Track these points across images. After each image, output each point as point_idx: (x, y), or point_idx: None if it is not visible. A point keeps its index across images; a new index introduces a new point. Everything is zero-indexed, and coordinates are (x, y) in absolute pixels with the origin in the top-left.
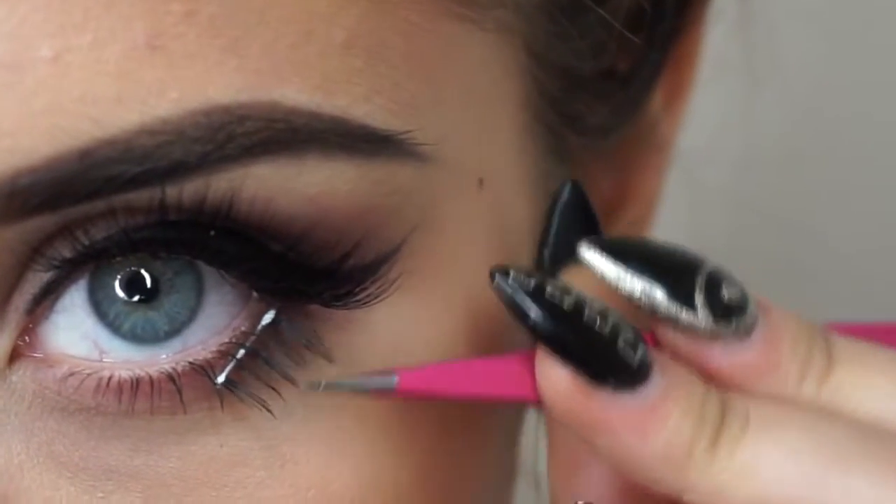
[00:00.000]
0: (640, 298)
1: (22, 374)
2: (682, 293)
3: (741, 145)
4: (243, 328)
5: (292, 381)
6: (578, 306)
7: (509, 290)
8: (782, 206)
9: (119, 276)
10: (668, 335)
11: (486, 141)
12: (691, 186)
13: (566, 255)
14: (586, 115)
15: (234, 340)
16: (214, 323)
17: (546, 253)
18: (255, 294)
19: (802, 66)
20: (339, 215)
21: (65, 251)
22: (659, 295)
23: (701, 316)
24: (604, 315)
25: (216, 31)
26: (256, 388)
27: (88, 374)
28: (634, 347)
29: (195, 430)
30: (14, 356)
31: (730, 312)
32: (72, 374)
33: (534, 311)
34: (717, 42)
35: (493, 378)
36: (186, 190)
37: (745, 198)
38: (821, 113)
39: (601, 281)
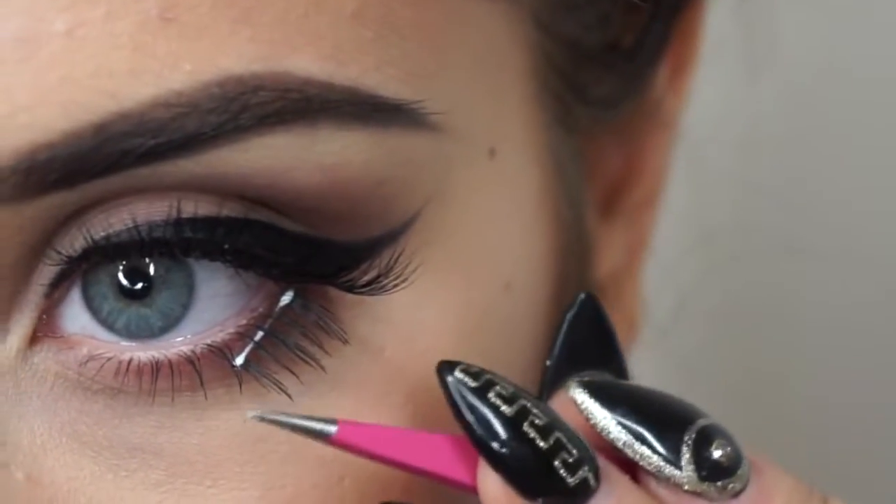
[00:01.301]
0: (624, 448)
1: (44, 356)
2: (668, 448)
3: (745, 126)
4: (261, 309)
5: (309, 362)
6: (519, 416)
7: (451, 386)
8: (787, 186)
9: (111, 274)
10: (651, 484)
11: (496, 111)
12: (695, 168)
13: (571, 371)
14: (593, 86)
15: (251, 322)
16: (209, 317)
17: (549, 366)
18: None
19: (805, 46)
20: (354, 186)
21: (78, 244)
22: (644, 447)
23: (685, 473)
24: (547, 429)
25: (228, 2)
26: (274, 369)
27: (108, 359)
28: (574, 468)
29: (218, 405)
30: (35, 338)
31: (717, 472)
32: (92, 359)
33: (469, 413)
34: (720, 24)
35: (435, 456)
36: (202, 161)
37: (750, 179)
38: (824, 93)
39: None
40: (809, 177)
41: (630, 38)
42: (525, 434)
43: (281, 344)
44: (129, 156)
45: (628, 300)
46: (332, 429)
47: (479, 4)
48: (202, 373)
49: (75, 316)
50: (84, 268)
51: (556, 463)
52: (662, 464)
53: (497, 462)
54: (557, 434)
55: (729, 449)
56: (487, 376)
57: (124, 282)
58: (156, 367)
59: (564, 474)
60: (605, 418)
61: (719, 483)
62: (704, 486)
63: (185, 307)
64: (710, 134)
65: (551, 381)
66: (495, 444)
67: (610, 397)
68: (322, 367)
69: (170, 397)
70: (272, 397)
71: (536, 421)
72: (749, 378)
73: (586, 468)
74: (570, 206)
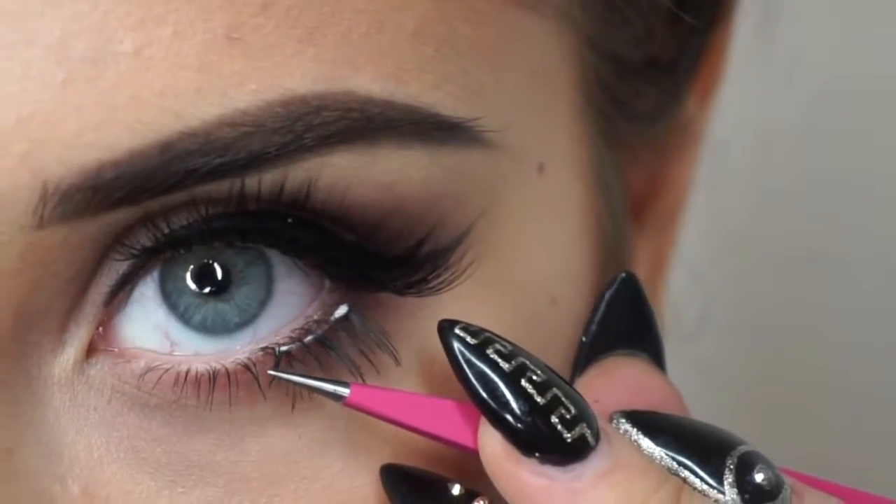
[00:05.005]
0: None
1: (100, 369)
2: (711, 473)
3: (766, 133)
4: (316, 317)
5: (360, 373)
6: (517, 372)
7: (451, 343)
8: (808, 193)
9: (190, 269)
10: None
11: (546, 126)
12: (716, 175)
13: (607, 348)
14: (635, 101)
15: (306, 327)
16: (284, 313)
17: (585, 342)
18: (327, 283)
19: (821, 52)
20: (412, 203)
21: (144, 240)
22: (688, 472)
23: (729, 497)
24: (544, 385)
25: (293, 22)
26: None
27: (166, 370)
28: (572, 424)
29: (274, 421)
30: (91, 350)
31: (760, 496)
32: (149, 370)
33: (468, 368)
34: (738, 29)
35: (442, 419)
36: (265, 181)
37: (770, 186)
38: (839, 96)
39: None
40: (831, 183)
41: (670, 53)
42: (523, 389)
43: (333, 353)
44: (194, 174)
45: None
46: (346, 391)
47: (531, 20)
48: (259, 378)
49: (129, 326)
50: (149, 265)
51: (554, 419)
52: (707, 488)
53: (494, 416)
54: (555, 391)
55: (770, 473)
56: (487, 334)
57: (201, 279)
58: (213, 377)
59: (561, 429)
60: (649, 447)
61: None
62: None
63: (263, 304)
64: (732, 140)
65: (586, 358)
66: (493, 399)
67: (652, 427)
68: (378, 374)
69: (228, 411)
70: (330, 404)
71: (534, 377)
72: (772, 384)
73: (584, 425)
74: (611, 219)
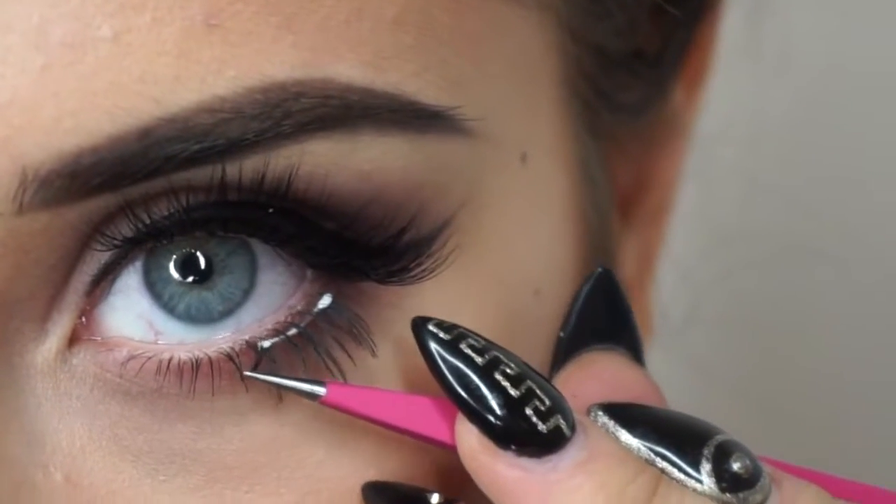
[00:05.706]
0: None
1: (82, 358)
2: (688, 462)
3: (757, 127)
4: (299, 308)
5: (337, 367)
6: (490, 366)
7: (425, 339)
8: (799, 188)
9: (174, 258)
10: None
11: (528, 117)
12: (707, 170)
13: (585, 344)
14: (620, 93)
15: (289, 320)
16: (268, 303)
17: (562, 337)
18: (309, 273)
19: (811, 45)
20: (392, 192)
21: (125, 230)
22: (665, 463)
23: (706, 486)
24: (518, 378)
25: (271, 9)
26: (309, 366)
27: (149, 358)
28: (547, 416)
29: (257, 409)
30: (73, 339)
31: (738, 484)
32: (132, 358)
33: (442, 364)
34: (728, 23)
35: (419, 416)
36: (245, 168)
37: (762, 181)
38: (829, 90)
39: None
40: (821, 178)
41: (654, 46)
42: (497, 382)
43: (312, 346)
44: (173, 160)
45: (640, 310)
46: (322, 390)
47: (514, 11)
48: (242, 368)
49: (111, 315)
50: (132, 255)
51: (528, 411)
52: (684, 477)
53: (469, 410)
54: (529, 383)
55: (748, 462)
56: (459, 330)
57: (184, 268)
58: (196, 365)
59: (536, 421)
60: (627, 439)
61: (741, 494)
62: (726, 498)
63: (246, 293)
64: (721, 135)
65: (564, 353)
66: (467, 394)
67: (629, 418)
68: (355, 366)
69: (209, 400)
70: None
71: (508, 370)
72: (762, 380)
73: (559, 417)
74: (596, 212)
